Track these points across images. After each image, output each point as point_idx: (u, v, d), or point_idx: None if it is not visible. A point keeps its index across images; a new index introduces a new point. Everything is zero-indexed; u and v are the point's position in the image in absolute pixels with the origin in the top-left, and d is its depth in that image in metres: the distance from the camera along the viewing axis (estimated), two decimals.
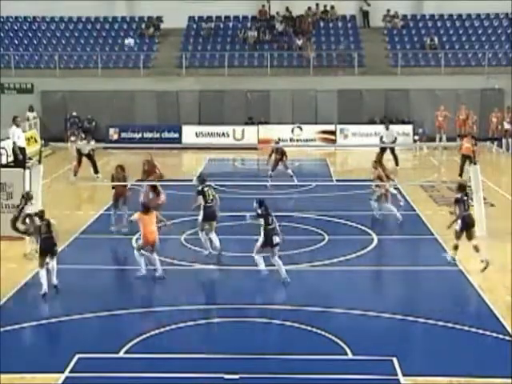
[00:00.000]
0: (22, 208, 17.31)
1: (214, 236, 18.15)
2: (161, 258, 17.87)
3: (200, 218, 18.16)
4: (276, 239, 15.87)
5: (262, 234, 15.95)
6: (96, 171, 27.91)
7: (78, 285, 16.33)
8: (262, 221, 15.92)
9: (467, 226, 16.96)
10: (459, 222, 16.98)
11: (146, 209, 16.98)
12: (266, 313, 14.11)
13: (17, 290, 15.62)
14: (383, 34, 41.95)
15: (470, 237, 16.99)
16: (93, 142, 29.01)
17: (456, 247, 17.16)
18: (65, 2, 41.53)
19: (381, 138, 31.25)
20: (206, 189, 18.29)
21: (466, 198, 17.27)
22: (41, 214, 15.83)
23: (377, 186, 21.30)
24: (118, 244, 19.44)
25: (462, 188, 17.43)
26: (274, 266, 16.03)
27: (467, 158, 27.14)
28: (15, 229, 17.20)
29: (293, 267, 17.09)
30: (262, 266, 16.07)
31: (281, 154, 26.95)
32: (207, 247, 18.24)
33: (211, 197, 18.20)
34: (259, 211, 15.97)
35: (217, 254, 18.04)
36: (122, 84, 38.35)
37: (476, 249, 16.92)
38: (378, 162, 22.54)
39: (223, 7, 42.15)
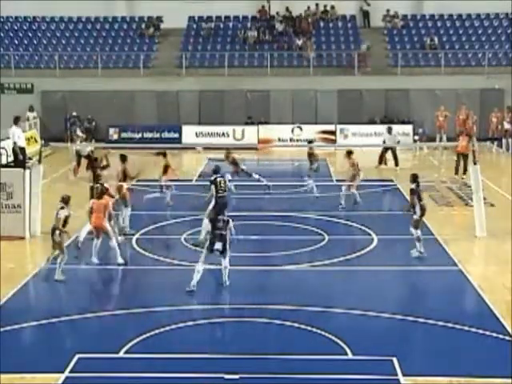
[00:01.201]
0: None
1: None
2: (160, 258, 17.91)
3: (211, 206, 18.64)
4: (217, 245, 15.36)
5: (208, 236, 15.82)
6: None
7: (77, 285, 16.34)
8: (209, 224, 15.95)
9: (423, 214, 17.92)
10: (418, 211, 17.81)
11: (99, 195, 17.42)
12: (265, 313, 14.10)
13: (17, 290, 15.63)
14: (383, 33, 41.95)
15: (418, 226, 17.84)
16: (92, 142, 29.01)
17: (419, 239, 17.76)
18: (65, 1, 41.51)
19: (383, 142, 31.28)
20: (218, 179, 18.94)
21: (418, 187, 18.09)
22: (66, 200, 16.52)
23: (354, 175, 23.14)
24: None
25: (415, 178, 18.19)
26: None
27: (463, 156, 27.32)
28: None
29: (293, 267, 17.11)
30: (194, 279, 15.34)
31: (234, 164, 24.66)
32: (202, 235, 18.51)
33: (223, 187, 18.85)
34: (212, 216, 16.10)
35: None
36: (122, 84, 38.35)
37: (418, 239, 17.69)
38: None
39: (223, 7, 42.14)
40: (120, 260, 17.15)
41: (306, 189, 24.57)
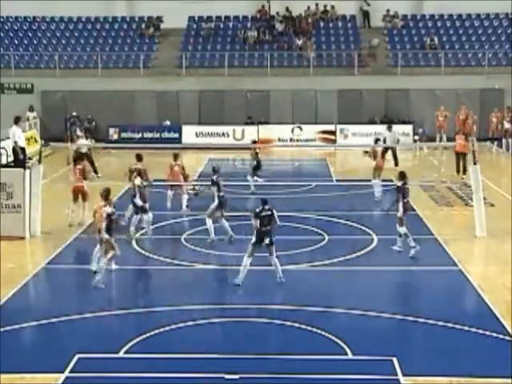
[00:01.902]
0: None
1: (224, 222, 19.15)
2: (160, 258, 17.91)
3: (214, 206, 19.07)
4: (266, 240, 15.75)
5: (254, 233, 15.94)
6: (95, 171, 27.86)
7: (77, 285, 16.34)
8: (257, 221, 15.82)
9: (405, 211, 18.07)
10: (400, 208, 17.95)
11: (103, 197, 16.84)
12: (265, 313, 14.11)
13: (17, 290, 15.62)
14: (383, 34, 41.95)
15: (402, 223, 18.02)
16: (88, 141, 29.22)
17: (404, 234, 17.99)
18: (65, 1, 41.52)
19: (384, 140, 31.27)
20: (220, 179, 19.47)
21: (405, 186, 18.25)
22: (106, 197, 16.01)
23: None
24: (118, 244, 19.37)
25: (402, 176, 18.48)
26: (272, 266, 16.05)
27: (461, 156, 27.42)
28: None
29: (293, 267, 17.11)
30: (241, 274, 15.83)
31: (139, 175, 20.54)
32: (212, 234, 19.06)
33: (222, 186, 19.39)
34: (257, 210, 15.95)
35: (227, 238, 19.04)
36: (122, 84, 38.36)
37: (406, 235, 17.88)
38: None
39: (223, 7, 42.15)
40: (114, 266, 16.68)
41: (253, 190, 24.95)
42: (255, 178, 25.49)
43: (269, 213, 15.89)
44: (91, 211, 17.32)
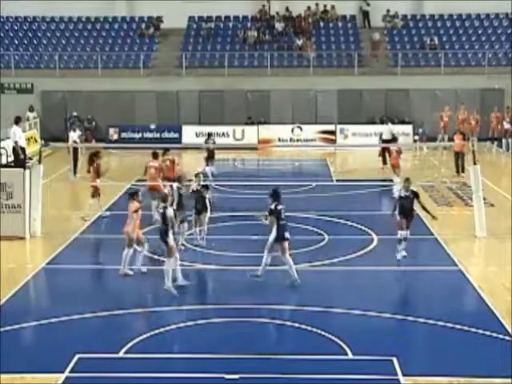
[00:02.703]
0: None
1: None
2: (160, 258, 17.88)
3: (209, 195, 19.59)
4: (287, 234, 15.69)
5: (274, 229, 15.74)
6: (75, 171, 27.86)
7: (78, 285, 16.33)
8: (273, 218, 15.67)
9: (403, 212, 17.60)
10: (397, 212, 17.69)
11: (129, 196, 16.95)
12: (266, 313, 14.11)
13: (17, 290, 15.62)
14: (383, 34, 41.95)
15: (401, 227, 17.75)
16: (77, 133, 29.54)
17: (404, 239, 17.66)
18: (65, 1, 41.52)
19: (380, 135, 31.43)
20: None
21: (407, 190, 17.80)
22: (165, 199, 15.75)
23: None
24: (118, 244, 19.38)
25: (410, 181, 18.06)
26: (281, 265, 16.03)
27: (459, 155, 27.46)
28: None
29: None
30: (264, 263, 15.81)
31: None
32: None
33: None
34: (272, 207, 15.83)
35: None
36: (122, 84, 38.37)
37: (405, 240, 17.55)
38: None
39: (223, 7, 42.15)
40: (141, 268, 16.57)
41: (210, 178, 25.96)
42: (209, 167, 26.72)
43: (281, 207, 15.84)
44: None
